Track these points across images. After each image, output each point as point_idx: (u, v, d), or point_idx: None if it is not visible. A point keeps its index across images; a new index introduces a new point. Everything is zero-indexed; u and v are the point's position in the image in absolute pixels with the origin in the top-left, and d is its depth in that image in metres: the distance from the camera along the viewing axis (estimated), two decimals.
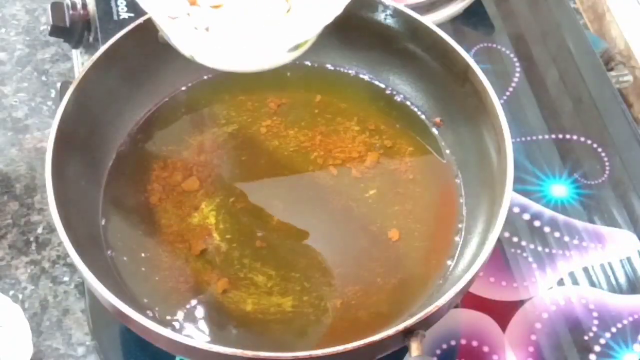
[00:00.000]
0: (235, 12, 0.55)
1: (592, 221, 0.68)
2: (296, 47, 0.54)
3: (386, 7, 0.65)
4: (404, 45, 0.66)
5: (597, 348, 0.62)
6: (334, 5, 0.52)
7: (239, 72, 0.55)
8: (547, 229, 0.68)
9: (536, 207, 0.69)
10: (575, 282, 0.65)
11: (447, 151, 0.65)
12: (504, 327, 0.63)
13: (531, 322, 0.63)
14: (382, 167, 0.65)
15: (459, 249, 0.60)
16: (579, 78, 0.77)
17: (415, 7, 0.70)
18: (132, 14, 0.75)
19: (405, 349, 0.51)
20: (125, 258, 0.59)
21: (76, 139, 0.59)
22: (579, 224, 0.68)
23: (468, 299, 0.63)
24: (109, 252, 0.59)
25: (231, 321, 0.57)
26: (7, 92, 0.81)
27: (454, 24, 0.78)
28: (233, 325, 0.57)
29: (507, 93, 0.76)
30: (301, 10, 0.54)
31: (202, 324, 0.57)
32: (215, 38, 0.53)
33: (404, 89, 0.68)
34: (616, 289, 0.65)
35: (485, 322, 0.63)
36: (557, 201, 0.69)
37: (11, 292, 0.67)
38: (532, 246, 0.67)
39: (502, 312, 0.63)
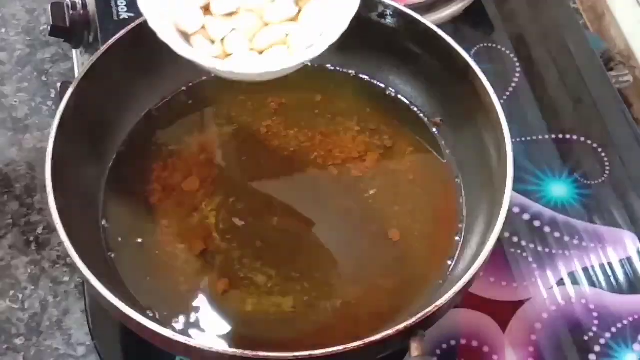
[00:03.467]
0: (249, 20, 0.56)
1: (592, 221, 0.68)
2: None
3: (386, 7, 0.65)
4: (404, 45, 0.66)
5: (597, 348, 0.62)
6: (340, 22, 0.53)
7: (256, 80, 0.56)
8: (547, 229, 0.68)
9: (536, 207, 0.69)
10: (575, 282, 0.65)
11: (447, 151, 0.65)
12: (504, 327, 0.63)
13: (531, 322, 0.63)
14: (382, 167, 0.65)
15: (459, 249, 0.60)
16: (579, 78, 0.77)
17: (415, 7, 0.70)
18: (132, 14, 0.75)
19: (405, 349, 0.51)
20: (125, 258, 0.59)
21: (76, 139, 0.59)
22: (579, 224, 0.68)
23: (468, 299, 0.63)
24: (109, 252, 0.59)
25: (231, 321, 0.57)
26: (7, 92, 0.81)
27: (454, 24, 0.78)
28: (233, 325, 0.57)
29: (507, 93, 0.76)
30: (310, 22, 0.55)
31: (202, 324, 0.57)
32: (232, 49, 0.54)
33: (404, 89, 0.68)
34: (616, 289, 0.65)
35: (485, 322, 0.63)
36: (557, 201, 0.69)
37: (11, 292, 0.67)
38: (532, 246, 0.67)
39: (502, 312, 0.63)
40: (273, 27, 0.56)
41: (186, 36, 0.55)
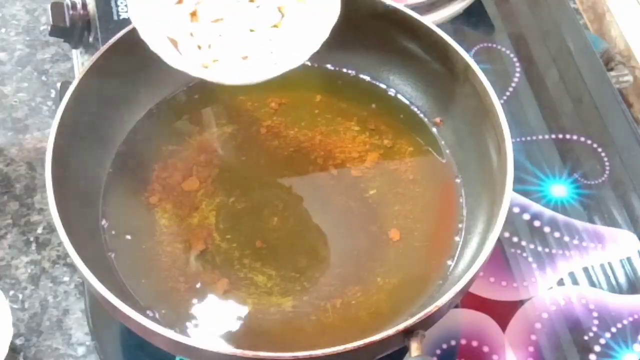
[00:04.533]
0: (235, 27, 0.58)
1: (592, 221, 0.68)
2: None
3: (386, 7, 0.65)
4: (404, 45, 0.66)
5: (597, 348, 0.62)
6: (321, 30, 0.56)
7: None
8: (547, 229, 0.68)
9: (536, 207, 0.69)
10: (575, 282, 0.65)
11: (447, 151, 0.65)
12: (504, 327, 0.63)
13: (531, 322, 0.63)
14: (382, 167, 0.65)
15: (459, 249, 0.60)
16: (579, 78, 0.77)
17: (415, 7, 0.70)
18: None
19: (405, 349, 0.51)
20: (125, 258, 0.59)
21: (76, 139, 0.59)
22: (579, 224, 0.68)
23: (468, 299, 0.63)
24: (109, 252, 0.59)
25: (231, 321, 0.57)
26: (7, 92, 0.81)
27: (454, 24, 0.78)
28: (233, 325, 0.57)
29: (507, 93, 0.76)
30: (293, 28, 0.58)
31: (202, 324, 0.57)
32: (218, 55, 0.57)
33: (404, 89, 0.68)
34: (616, 289, 0.65)
35: (485, 322, 0.63)
36: (557, 201, 0.69)
37: (11, 292, 0.67)
38: (532, 246, 0.67)
39: (502, 312, 0.63)
40: (257, 34, 0.58)
41: (175, 43, 0.57)
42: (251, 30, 0.58)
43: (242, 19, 0.58)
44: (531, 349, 0.62)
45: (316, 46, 0.56)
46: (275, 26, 0.58)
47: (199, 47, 0.57)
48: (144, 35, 0.56)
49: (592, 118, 0.74)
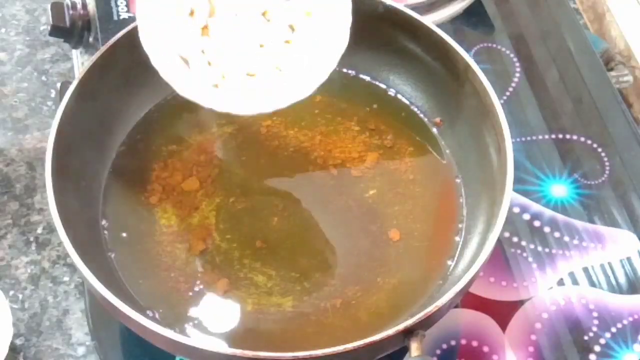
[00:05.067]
0: (246, 43, 0.58)
1: (592, 221, 0.68)
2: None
3: (386, 7, 0.65)
4: (404, 45, 0.66)
5: (597, 348, 0.62)
6: (328, 61, 0.57)
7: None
8: (547, 229, 0.68)
9: (536, 207, 0.69)
10: (575, 282, 0.65)
11: (447, 151, 0.65)
12: (504, 327, 0.63)
13: (531, 322, 0.63)
14: (382, 167, 0.65)
15: (459, 249, 0.60)
16: (579, 78, 0.77)
17: (415, 7, 0.70)
18: (132, 14, 0.75)
19: (405, 349, 0.51)
20: (125, 258, 0.59)
21: (76, 139, 0.59)
22: (579, 224, 0.68)
23: (468, 299, 0.63)
24: (109, 252, 0.59)
25: (231, 321, 0.57)
26: (7, 92, 0.81)
27: (454, 24, 0.78)
28: (233, 325, 0.57)
29: (507, 93, 0.76)
30: (303, 46, 0.58)
31: (202, 324, 0.57)
32: (227, 72, 0.58)
33: (404, 89, 0.68)
34: (616, 289, 0.65)
35: (485, 322, 0.63)
36: (557, 201, 0.69)
37: (11, 292, 0.67)
38: (532, 246, 0.67)
39: (502, 312, 0.63)
40: (267, 50, 0.58)
41: (186, 61, 0.57)
42: (261, 46, 0.58)
43: (253, 34, 0.58)
44: (531, 349, 0.62)
45: (324, 76, 0.57)
46: (286, 42, 0.58)
47: (209, 64, 0.57)
48: (155, 62, 0.56)
49: (592, 118, 0.74)
